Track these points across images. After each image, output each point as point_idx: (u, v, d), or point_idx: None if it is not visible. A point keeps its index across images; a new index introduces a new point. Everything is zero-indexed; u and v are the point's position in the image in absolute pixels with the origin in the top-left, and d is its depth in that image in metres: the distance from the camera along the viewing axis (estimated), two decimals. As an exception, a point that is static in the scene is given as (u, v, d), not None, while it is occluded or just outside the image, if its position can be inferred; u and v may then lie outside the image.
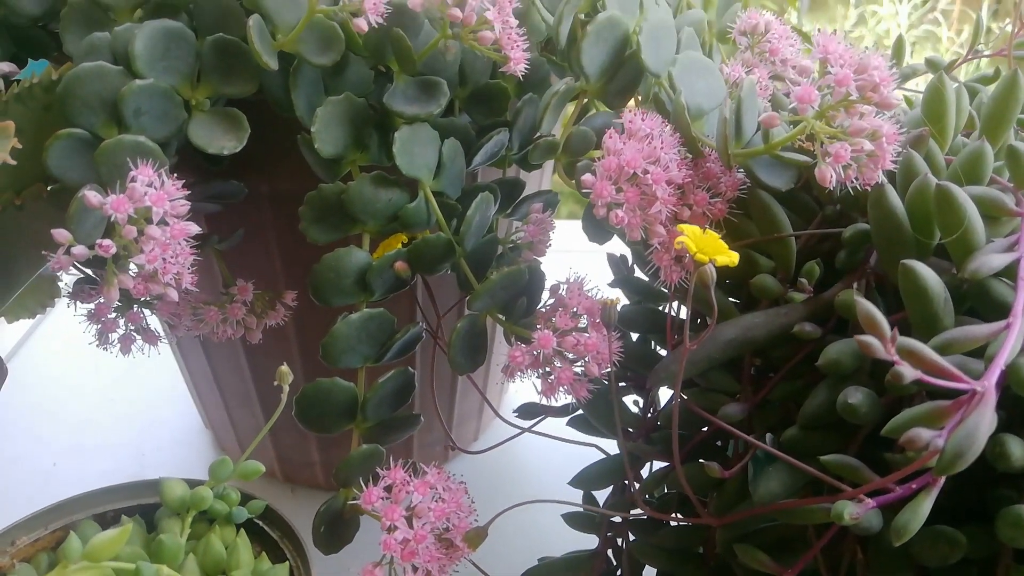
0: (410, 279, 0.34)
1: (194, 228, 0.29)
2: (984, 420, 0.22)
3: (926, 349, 0.23)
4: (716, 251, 0.25)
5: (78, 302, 0.39)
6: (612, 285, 0.43)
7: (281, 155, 0.36)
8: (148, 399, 0.68)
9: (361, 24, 0.29)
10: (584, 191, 0.30)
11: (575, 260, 0.38)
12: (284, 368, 0.34)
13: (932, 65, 0.46)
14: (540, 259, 0.38)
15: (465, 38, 0.31)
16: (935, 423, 0.23)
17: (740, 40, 0.41)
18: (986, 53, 0.44)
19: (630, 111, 0.31)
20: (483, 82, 0.37)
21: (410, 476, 0.31)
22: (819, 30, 0.28)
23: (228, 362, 0.51)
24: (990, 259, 0.26)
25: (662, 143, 0.30)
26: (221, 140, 0.32)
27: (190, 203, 0.29)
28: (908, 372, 0.22)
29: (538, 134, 0.34)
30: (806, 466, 0.26)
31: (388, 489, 0.31)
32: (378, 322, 0.34)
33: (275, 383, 0.34)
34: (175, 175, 0.29)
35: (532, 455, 0.59)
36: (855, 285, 0.31)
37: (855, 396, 0.26)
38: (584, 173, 0.30)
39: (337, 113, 0.33)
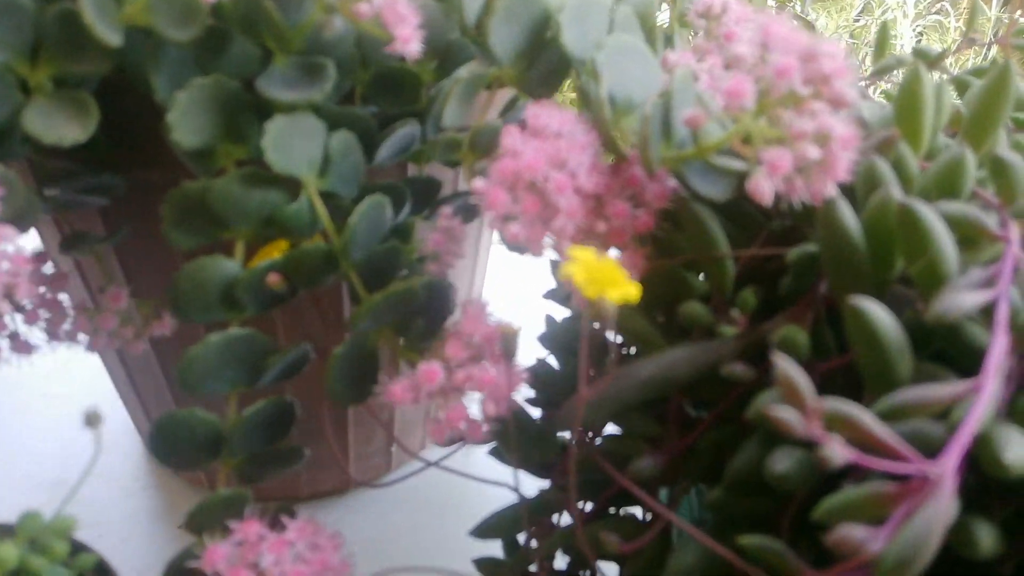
0: (289, 293, 0.29)
1: (9, 232, 0.24)
2: (939, 515, 0.17)
3: (865, 418, 0.18)
4: (611, 283, 0.20)
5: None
6: (546, 297, 0.38)
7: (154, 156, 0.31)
8: (80, 397, 0.63)
9: (208, -8, 0.24)
10: (477, 197, 0.25)
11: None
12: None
13: (921, 56, 0.41)
14: (449, 270, 0.33)
15: (344, 11, 0.26)
16: (876, 513, 0.18)
17: (698, 23, 0.36)
18: (982, 41, 0.39)
19: (537, 104, 0.26)
20: (389, 65, 0.32)
21: (270, 529, 0.26)
22: (764, 9, 0.23)
23: (143, 367, 0.46)
24: (960, 298, 0.21)
25: (573, 143, 0.25)
26: (61, 128, 0.27)
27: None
28: (837, 455, 0.17)
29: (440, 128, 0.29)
30: (721, 547, 0.21)
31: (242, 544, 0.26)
32: (247, 344, 0.29)
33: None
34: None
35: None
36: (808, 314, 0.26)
37: (782, 463, 0.21)
38: (477, 177, 0.25)
39: (203, 98, 0.28)
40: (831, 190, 0.23)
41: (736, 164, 0.24)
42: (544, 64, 0.30)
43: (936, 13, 2.08)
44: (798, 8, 1.96)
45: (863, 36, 2.21)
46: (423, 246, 0.32)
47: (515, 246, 0.31)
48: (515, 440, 0.30)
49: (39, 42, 0.28)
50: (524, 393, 0.35)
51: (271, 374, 0.30)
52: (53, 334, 0.36)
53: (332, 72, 0.28)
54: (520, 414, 0.30)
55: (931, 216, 0.22)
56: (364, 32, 0.29)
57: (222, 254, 0.29)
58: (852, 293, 0.23)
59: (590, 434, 0.31)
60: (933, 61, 0.40)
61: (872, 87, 0.45)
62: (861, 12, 2.08)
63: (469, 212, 0.36)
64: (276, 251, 0.30)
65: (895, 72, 0.42)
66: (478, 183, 0.24)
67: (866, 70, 0.44)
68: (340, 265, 0.29)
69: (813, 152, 0.22)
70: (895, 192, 0.23)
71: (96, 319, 0.34)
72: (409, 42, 0.26)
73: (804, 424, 0.17)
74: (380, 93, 0.32)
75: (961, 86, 0.41)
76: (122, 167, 0.33)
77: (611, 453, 0.28)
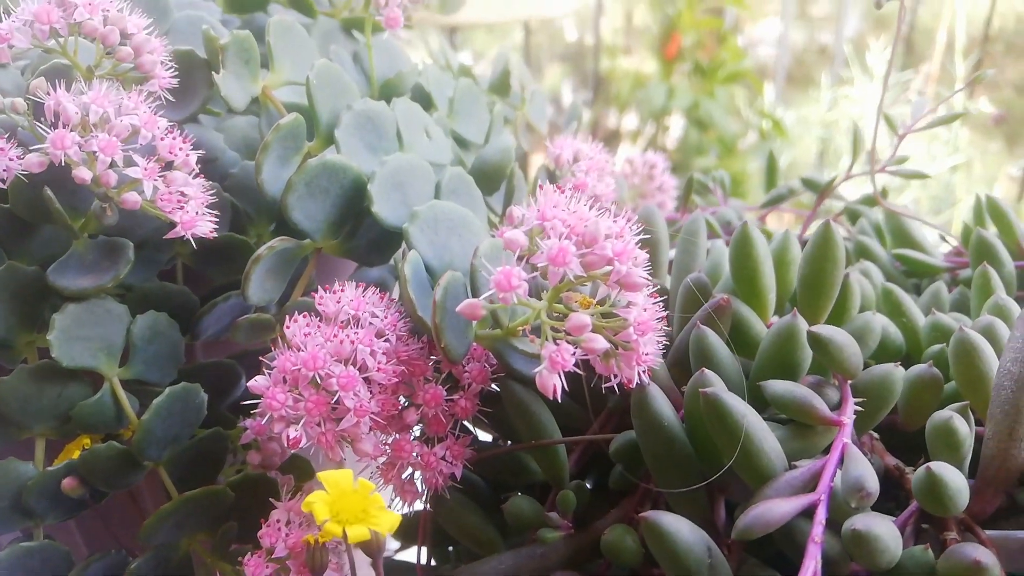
0: (91, 498, 0.27)
1: None
2: None
3: None
4: (358, 516, 0.17)
5: None
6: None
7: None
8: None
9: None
10: (253, 394, 0.22)
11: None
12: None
13: (810, 185, 0.39)
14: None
15: (117, 201, 0.24)
16: None
17: (552, 166, 0.34)
18: (866, 172, 0.37)
19: (325, 289, 0.24)
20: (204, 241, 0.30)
21: None
22: (541, 187, 0.21)
23: None
24: (769, 511, 0.18)
25: (370, 329, 0.23)
26: None
27: None
28: None
29: (251, 307, 0.27)
30: None
31: None
32: (40, 557, 0.26)
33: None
34: None
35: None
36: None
37: None
38: (258, 374, 0.22)
39: (-5, 289, 0.26)
40: (640, 377, 0.21)
41: (533, 349, 0.22)
42: (370, 232, 0.28)
43: (902, 103, 2.12)
44: (768, 103, 2.00)
45: (833, 127, 2.25)
46: (244, 434, 0.29)
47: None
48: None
49: None
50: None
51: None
52: None
53: (131, 254, 0.26)
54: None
55: (739, 407, 0.20)
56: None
57: (16, 456, 0.26)
58: (676, 488, 0.20)
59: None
60: (824, 189, 0.39)
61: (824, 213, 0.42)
62: (830, 107, 2.12)
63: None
64: (77, 449, 0.27)
65: (786, 200, 0.41)
66: (254, 384, 0.22)
67: (831, 182, 0.41)
68: (142, 464, 0.26)
69: (599, 343, 0.20)
70: (709, 378, 0.21)
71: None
72: (194, 225, 0.24)
73: None
74: (208, 263, 0.30)
75: (853, 216, 0.39)
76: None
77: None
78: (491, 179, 0.33)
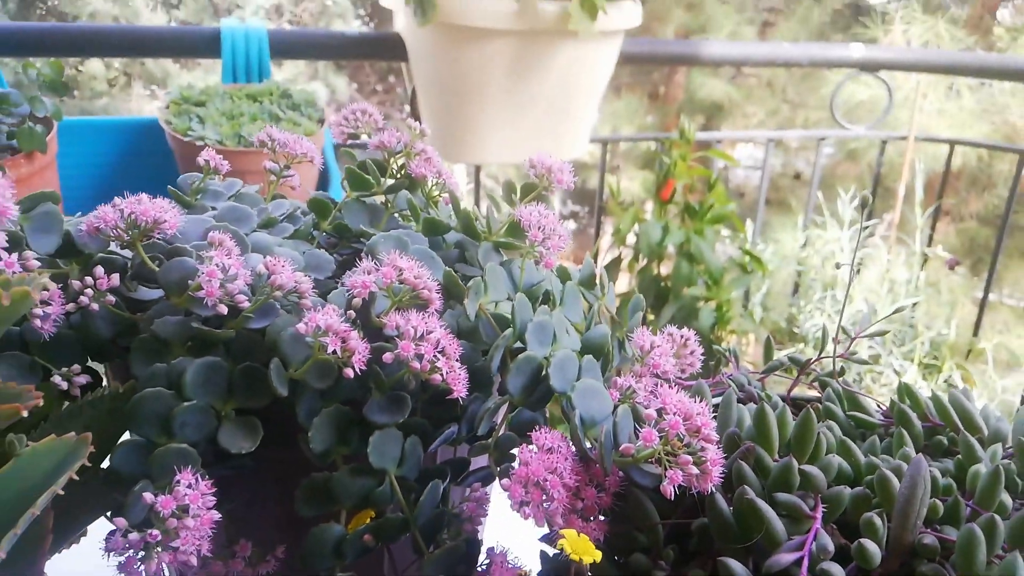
0: (376, 547, 0.45)
1: (216, 516, 0.40)
2: None
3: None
4: (585, 551, 0.36)
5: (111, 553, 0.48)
6: (541, 540, 0.53)
7: (281, 440, 0.48)
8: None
9: (348, 372, 0.42)
10: (504, 490, 0.41)
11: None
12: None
13: (794, 361, 0.60)
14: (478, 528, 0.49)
15: (424, 376, 0.43)
16: None
17: (637, 352, 0.54)
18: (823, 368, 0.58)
19: (538, 429, 0.43)
20: (438, 390, 0.49)
21: None
22: (659, 384, 0.41)
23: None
24: (778, 561, 0.37)
25: (560, 454, 0.42)
26: (241, 442, 0.44)
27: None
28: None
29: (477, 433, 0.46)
30: None
31: None
32: (347, 583, 0.44)
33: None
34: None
35: None
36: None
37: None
38: (504, 478, 0.41)
39: (327, 420, 0.45)
40: (710, 487, 0.40)
41: (656, 469, 0.41)
42: (539, 394, 0.48)
43: (870, 247, 2.39)
44: (749, 241, 2.25)
45: (807, 263, 2.49)
46: (459, 510, 0.48)
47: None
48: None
49: (229, 387, 0.45)
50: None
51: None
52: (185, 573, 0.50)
53: (409, 404, 0.46)
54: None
55: (765, 507, 0.39)
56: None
57: (332, 521, 0.45)
58: (729, 548, 0.39)
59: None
60: (803, 366, 0.59)
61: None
62: (804, 246, 2.37)
63: (487, 479, 0.53)
64: (367, 518, 0.45)
65: (780, 368, 0.61)
66: (504, 482, 0.41)
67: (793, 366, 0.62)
68: (410, 527, 0.45)
69: (694, 469, 0.39)
70: (747, 490, 0.40)
71: (229, 563, 0.48)
72: (461, 390, 0.44)
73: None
74: (433, 407, 0.49)
75: (822, 383, 0.59)
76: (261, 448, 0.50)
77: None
78: (596, 354, 0.53)
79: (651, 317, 2.10)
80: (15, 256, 0.42)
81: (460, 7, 1.41)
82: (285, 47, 1.56)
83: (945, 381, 2.28)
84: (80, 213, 0.52)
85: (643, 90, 5.33)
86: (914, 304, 2.31)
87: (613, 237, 2.13)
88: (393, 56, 1.61)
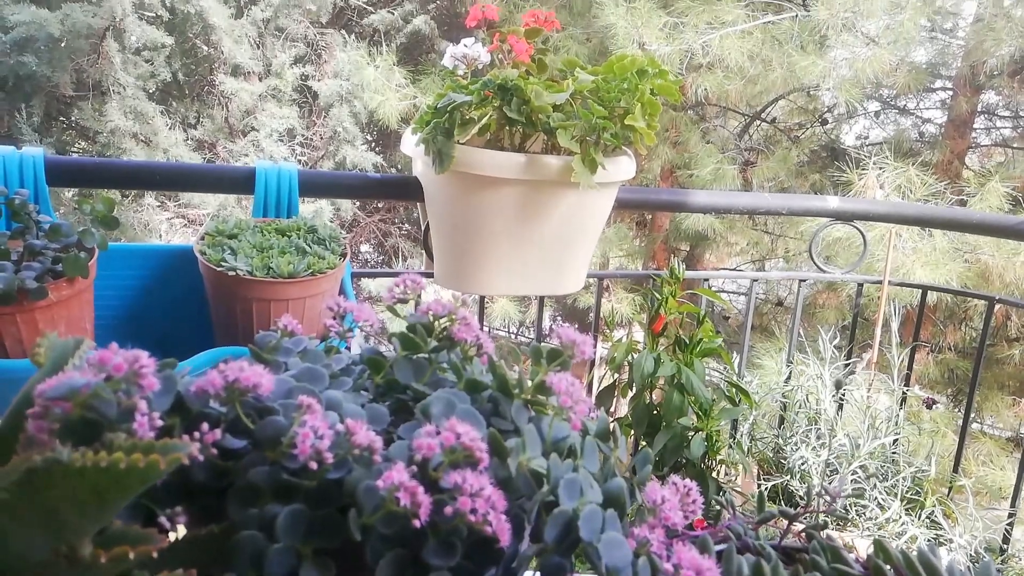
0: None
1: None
2: None
3: None
4: None
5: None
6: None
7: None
8: None
9: (416, 523, 0.50)
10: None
11: None
12: None
13: (784, 514, 0.68)
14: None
15: (475, 527, 0.52)
16: None
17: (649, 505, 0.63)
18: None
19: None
20: (482, 536, 0.57)
21: None
22: (673, 542, 0.50)
23: None
24: None
25: (591, 599, 0.50)
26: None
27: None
28: None
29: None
30: None
31: None
32: None
33: None
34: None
35: None
36: None
37: None
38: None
39: (392, 561, 0.53)
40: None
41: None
42: (569, 542, 0.56)
43: (849, 384, 2.50)
44: (736, 370, 2.35)
45: (793, 397, 2.59)
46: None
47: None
48: None
49: (308, 530, 0.53)
50: None
51: None
52: None
53: (460, 548, 0.54)
54: None
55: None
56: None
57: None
58: None
59: None
60: (792, 517, 0.67)
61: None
62: (788, 379, 2.48)
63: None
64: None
65: (772, 520, 0.69)
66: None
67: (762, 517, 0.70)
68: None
69: (706, 617, 0.47)
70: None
71: None
72: (506, 540, 0.52)
73: None
74: (475, 549, 0.57)
75: (809, 535, 0.68)
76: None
77: None
78: (615, 504, 0.62)
79: (643, 444, 2.17)
80: (146, 417, 0.51)
81: (474, 159, 1.56)
82: (313, 186, 1.70)
83: (928, 517, 2.34)
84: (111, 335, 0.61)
85: (632, 218, 5.58)
86: (895, 440, 2.40)
87: (608, 365, 2.23)
88: (410, 197, 1.75)
